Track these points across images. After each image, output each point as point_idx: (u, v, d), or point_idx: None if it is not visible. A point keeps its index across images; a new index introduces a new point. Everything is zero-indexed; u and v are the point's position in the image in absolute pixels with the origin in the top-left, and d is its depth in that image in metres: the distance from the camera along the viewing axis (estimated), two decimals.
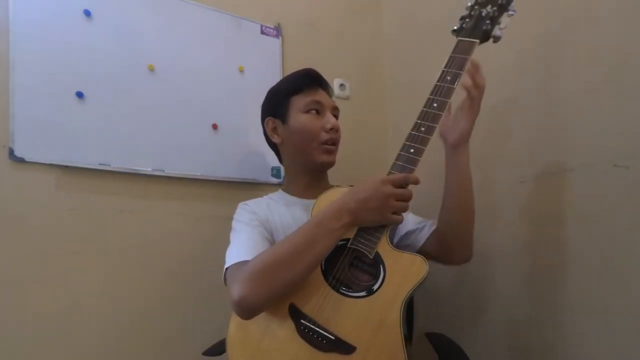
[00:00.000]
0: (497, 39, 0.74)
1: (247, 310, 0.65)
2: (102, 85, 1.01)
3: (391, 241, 0.71)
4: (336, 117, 0.92)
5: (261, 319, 0.68)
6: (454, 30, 0.77)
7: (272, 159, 1.25)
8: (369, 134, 1.44)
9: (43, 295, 0.93)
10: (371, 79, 1.48)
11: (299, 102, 0.88)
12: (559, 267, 0.86)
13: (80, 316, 0.96)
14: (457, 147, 0.79)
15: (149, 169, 1.06)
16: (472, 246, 0.84)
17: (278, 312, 0.68)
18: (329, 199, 0.75)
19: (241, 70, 1.21)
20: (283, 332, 0.67)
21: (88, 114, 0.99)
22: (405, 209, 0.70)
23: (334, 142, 0.90)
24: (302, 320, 0.66)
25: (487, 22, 0.73)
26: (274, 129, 0.93)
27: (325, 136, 0.87)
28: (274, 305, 0.68)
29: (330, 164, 0.91)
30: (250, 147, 1.20)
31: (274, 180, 1.23)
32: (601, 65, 0.81)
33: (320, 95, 0.90)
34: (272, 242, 0.81)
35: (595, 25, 0.82)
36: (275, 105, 0.92)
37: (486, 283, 1.02)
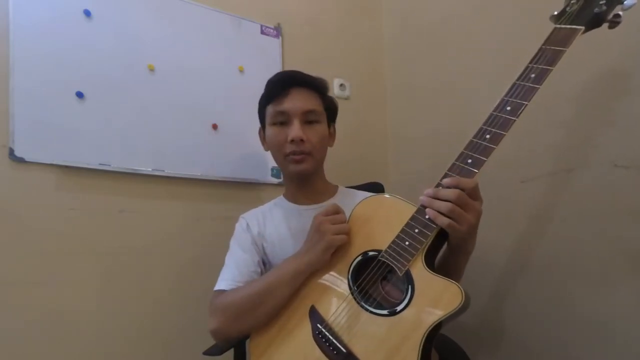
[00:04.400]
0: (614, 24, 0.58)
1: (220, 340, 0.76)
2: (102, 85, 1.01)
3: (430, 266, 0.62)
4: (313, 121, 0.85)
5: (280, 313, 0.71)
6: (553, 16, 0.61)
7: (272, 159, 1.25)
8: (368, 134, 1.44)
9: (43, 295, 0.93)
10: (371, 79, 1.48)
11: (269, 112, 0.87)
12: (559, 267, 0.86)
13: (80, 316, 0.96)
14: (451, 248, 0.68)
15: (149, 169, 1.06)
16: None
17: (299, 310, 0.69)
18: (366, 208, 0.74)
19: (241, 70, 1.21)
20: (299, 330, 0.67)
21: (88, 114, 0.99)
22: (342, 229, 0.71)
23: (301, 152, 0.84)
24: (318, 325, 0.66)
25: (602, 2, 0.57)
26: (263, 138, 0.93)
27: (289, 148, 0.83)
28: (295, 303, 0.71)
29: (301, 173, 0.86)
30: (250, 147, 1.20)
31: (274, 180, 1.23)
32: (600, 66, 0.81)
33: (288, 102, 0.84)
34: (262, 262, 0.86)
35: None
36: (259, 114, 0.93)
37: (486, 282, 1.02)
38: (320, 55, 1.36)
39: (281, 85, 0.86)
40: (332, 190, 0.93)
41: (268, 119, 0.88)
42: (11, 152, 0.91)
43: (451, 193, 0.60)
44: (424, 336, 0.57)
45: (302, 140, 0.82)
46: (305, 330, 0.66)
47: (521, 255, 0.94)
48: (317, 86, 0.88)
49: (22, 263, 0.92)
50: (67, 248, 0.96)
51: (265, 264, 0.87)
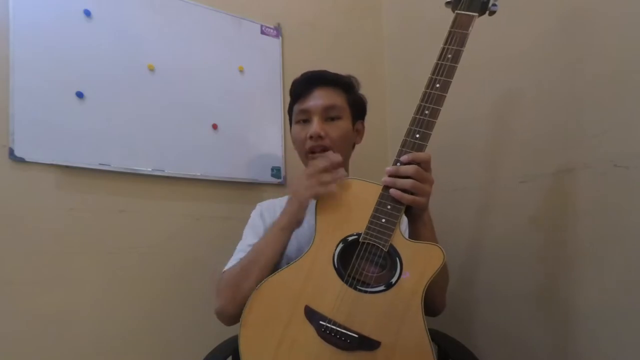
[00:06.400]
0: (492, 12, 0.72)
1: (225, 320, 0.74)
2: (102, 85, 1.01)
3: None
4: (334, 117, 0.87)
5: (274, 325, 0.66)
6: (448, 3, 0.74)
7: (272, 159, 1.24)
8: (369, 133, 1.43)
9: (43, 296, 0.93)
10: (371, 79, 1.48)
11: (294, 111, 0.92)
12: (559, 267, 0.87)
13: (80, 317, 0.96)
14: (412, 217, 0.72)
15: (149, 169, 1.06)
16: (443, 305, 0.80)
17: (294, 316, 0.66)
18: (331, 195, 0.74)
19: (241, 70, 1.21)
20: (302, 335, 0.65)
21: (88, 114, 0.99)
22: (335, 178, 0.73)
23: (322, 149, 0.85)
24: (321, 322, 0.65)
25: None
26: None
27: (309, 144, 0.86)
28: (288, 310, 0.67)
29: None
30: (250, 147, 1.20)
31: (274, 180, 1.23)
32: (600, 65, 0.81)
33: (310, 101, 0.86)
34: None
35: (595, 23, 0.82)
36: (288, 113, 0.97)
37: (486, 282, 1.02)
38: (320, 56, 1.36)
39: (305, 84, 0.89)
40: None
41: (293, 118, 0.92)
42: (11, 152, 0.91)
43: (410, 169, 0.66)
44: (422, 298, 0.64)
45: (320, 136, 0.84)
46: (308, 333, 0.65)
47: (520, 255, 0.94)
48: (341, 83, 0.90)
49: (22, 263, 0.92)
50: (67, 248, 0.96)
51: None
